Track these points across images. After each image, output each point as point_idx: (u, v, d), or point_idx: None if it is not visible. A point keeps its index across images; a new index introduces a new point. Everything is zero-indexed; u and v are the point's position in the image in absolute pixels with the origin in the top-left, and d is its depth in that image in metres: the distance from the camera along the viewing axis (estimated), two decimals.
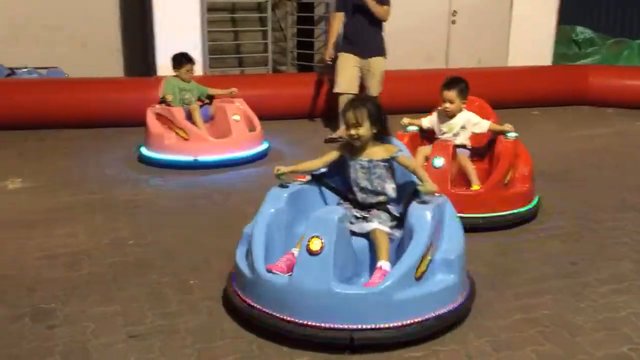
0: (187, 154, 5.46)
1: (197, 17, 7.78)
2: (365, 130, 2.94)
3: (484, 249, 3.66)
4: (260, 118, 6.06)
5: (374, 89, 6.86)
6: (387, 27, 6.75)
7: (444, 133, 4.37)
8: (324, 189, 3.17)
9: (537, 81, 8.82)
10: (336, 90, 6.82)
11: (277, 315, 2.59)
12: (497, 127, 4.35)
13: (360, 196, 3.04)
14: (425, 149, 4.29)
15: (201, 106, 5.95)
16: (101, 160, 5.77)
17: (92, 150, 6.17)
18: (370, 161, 3.00)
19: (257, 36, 9.75)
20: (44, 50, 9.05)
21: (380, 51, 6.73)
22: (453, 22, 9.42)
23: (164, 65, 7.46)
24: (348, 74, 6.69)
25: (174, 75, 5.90)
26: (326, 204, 3.12)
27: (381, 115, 3.00)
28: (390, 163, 3.02)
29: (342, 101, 7.19)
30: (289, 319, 2.56)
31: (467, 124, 4.33)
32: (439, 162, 4.00)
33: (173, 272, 3.31)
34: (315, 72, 8.32)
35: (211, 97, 6.08)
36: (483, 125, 4.34)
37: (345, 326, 2.50)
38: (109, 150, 6.16)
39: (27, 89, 7.24)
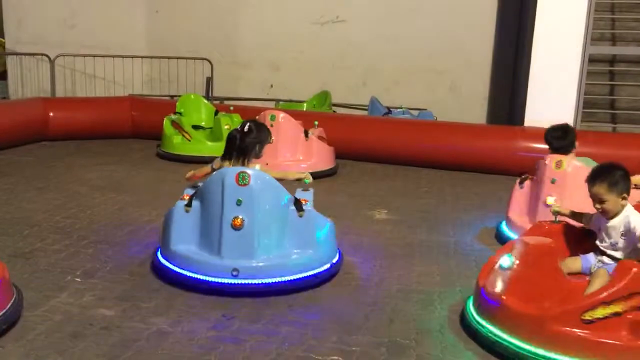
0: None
1: (576, 69, 7.44)
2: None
3: None
4: None
5: None
6: None
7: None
8: None
9: None
10: None
11: None
12: None
13: None
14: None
15: None
16: (459, 204, 5.91)
17: (450, 193, 6.38)
18: None
19: (638, 91, 8.86)
20: (418, 93, 9.85)
21: None
22: None
23: (532, 116, 7.38)
24: None
25: None
26: None
27: None
28: None
29: None
30: None
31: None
32: None
33: None
34: None
35: None
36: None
37: None
38: (467, 195, 6.28)
39: (401, 127, 7.92)
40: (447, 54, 9.91)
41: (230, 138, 3.77)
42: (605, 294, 2.66)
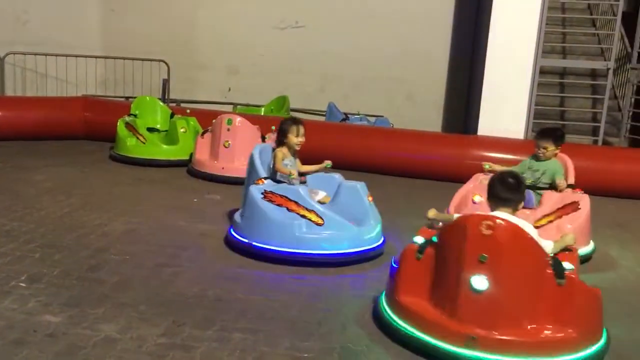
0: None
1: (528, 80, 7.65)
2: None
3: None
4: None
5: None
6: None
7: None
8: None
9: None
10: None
11: None
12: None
13: None
14: None
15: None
16: (410, 211, 5.97)
17: (403, 199, 6.46)
18: None
19: (585, 103, 9.17)
20: (376, 100, 9.95)
21: None
22: None
23: (486, 125, 7.56)
24: None
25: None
26: None
27: None
28: None
29: None
30: None
31: None
32: None
33: None
34: None
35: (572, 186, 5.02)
36: None
37: None
38: (419, 202, 6.34)
39: (357, 134, 7.97)
40: (404, 63, 10.04)
41: None
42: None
